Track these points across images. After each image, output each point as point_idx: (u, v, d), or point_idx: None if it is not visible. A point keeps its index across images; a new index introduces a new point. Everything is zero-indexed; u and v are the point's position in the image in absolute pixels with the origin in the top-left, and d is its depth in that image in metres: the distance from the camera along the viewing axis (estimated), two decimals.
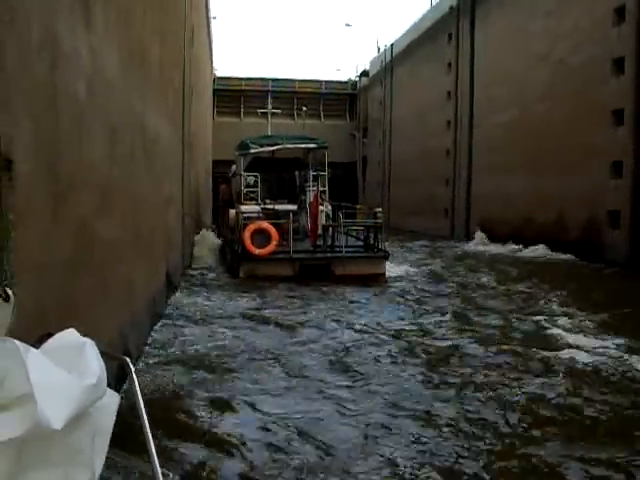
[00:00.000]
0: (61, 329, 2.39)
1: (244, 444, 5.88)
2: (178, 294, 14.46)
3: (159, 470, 2.46)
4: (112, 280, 6.87)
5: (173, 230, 14.99)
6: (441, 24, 41.18)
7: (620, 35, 22.83)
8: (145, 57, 9.49)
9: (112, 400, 2.40)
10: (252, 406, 6.98)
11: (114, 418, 2.40)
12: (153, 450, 2.46)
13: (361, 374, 8.37)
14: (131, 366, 2.63)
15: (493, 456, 5.79)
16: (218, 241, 24.84)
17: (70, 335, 2.37)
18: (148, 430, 2.49)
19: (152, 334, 10.13)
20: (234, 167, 25.66)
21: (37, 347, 2.18)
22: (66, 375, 2.10)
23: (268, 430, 6.28)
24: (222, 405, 6.99)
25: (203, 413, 6.72)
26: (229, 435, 6.10)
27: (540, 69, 28.08)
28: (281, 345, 10.04)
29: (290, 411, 6.87)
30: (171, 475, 5.05)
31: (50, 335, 2.34)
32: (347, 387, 7.82)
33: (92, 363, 2.25)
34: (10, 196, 2.92)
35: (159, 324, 10.98)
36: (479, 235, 31.97)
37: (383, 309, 13.71)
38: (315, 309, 13.25)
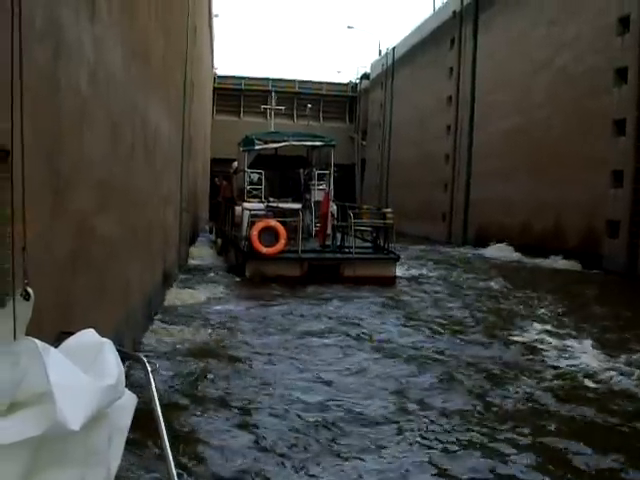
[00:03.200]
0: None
1: None
2: (174, 291, 14.25)
3: (174, 471, 2.46)
4: (109, 278, 6.74)
5: (171, 227, 14.86)
6: (444, 29, 41.16)
7: (623, 45, 22.80)
8: (149, 52, 9.37)
9: (129, 401, 2.41)
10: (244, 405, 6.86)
11: (131, 418, 2.41)
12: (168, 450, 2.46)
13: None
14: (148, 366, 2.62)
15: None
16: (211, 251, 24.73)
17: (89, 335, 2.39)
18: (164, 429, 2.50)
19: (147, 333, 10.00)
20: (235, 164, 25.38)
21: (56, 345, 2.18)
22: (85, 376, 2.11)
23: None
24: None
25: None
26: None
27: (542, 77, 28.05)
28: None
29: None
30: (185, 475, 4.99)
31: (69, 333, 2.36)
32: None
33: (111, 364, 2.26)
34: (6, 190, 2.80)
35: (155, 322, 10.84)
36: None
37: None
38: None
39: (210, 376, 8.05)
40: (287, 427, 6.36)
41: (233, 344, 10.01)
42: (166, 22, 11.74)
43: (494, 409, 7.25)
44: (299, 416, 6.67)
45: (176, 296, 13.64)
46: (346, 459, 5.67)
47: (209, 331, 10.72)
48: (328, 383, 7.97)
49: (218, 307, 13.11)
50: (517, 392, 7.88)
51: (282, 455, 5.69)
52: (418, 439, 6.26)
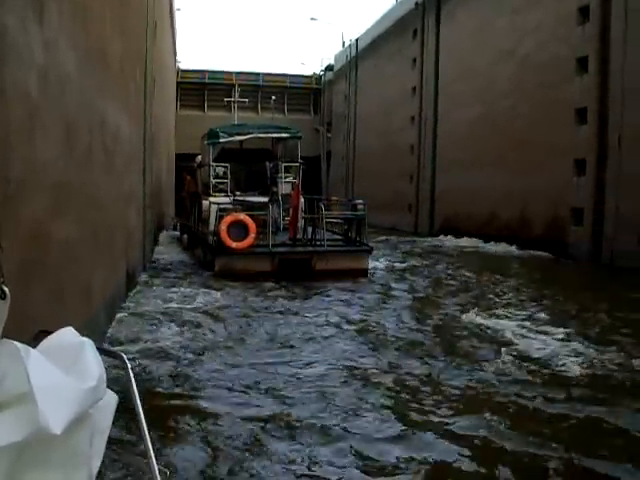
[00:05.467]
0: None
1: None
2: (139, 291, 14.11)
3: (156, 468, 2.41)
4: (68, 284, 6.63)
5: (134, 226, 14.71)
6: (406, 20, 41.24)
7: (584, 34, 23.01)
8: (105, 51, 9.24)
9: (111, 400, 2.35)
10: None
11: (112, 418, 2.35)
12: (150, 447, 2.42)
13: None
14: (127, 363, 2.54)
15: None
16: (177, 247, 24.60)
17: (69, 334, 2.29)
18: (145, 426, 2.44)
19: (109, 333, 9.90)
20: (199, 158, 25.13)
21: (33, 345, 2.09)
22: (66, 378, 2.03)
23: None
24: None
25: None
26: None
27: (505, 66, 28.26)
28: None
29: None
30: (168, 472, 4.96)
31: (46, 332, 2.27)
32: None
33: (92, 364, 2.19)
34: None
35: (114, 323, 10.72)
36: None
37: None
38: None
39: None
40: None
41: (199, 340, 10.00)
42: (123, 20, 11.58)
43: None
44: None
45: (139, 296, 13.46)
46: None
47: (174, 330, 10.63)
48: None
49: (186, 305, 12.95)
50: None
51: None
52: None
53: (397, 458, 5.73)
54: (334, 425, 6.47)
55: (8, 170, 4.42)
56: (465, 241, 29.04)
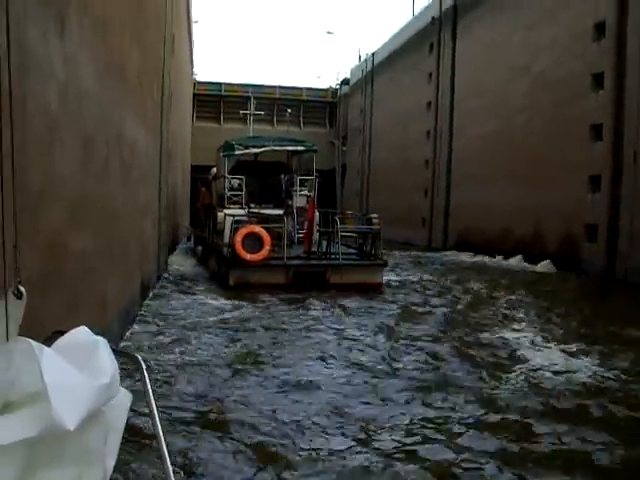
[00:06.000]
0: None
1: None
2: (153, 302, 14.14)
3: (171, 469, 2.44)
4: (83, 295, 6.70)
5: (149, 238, 14.80)
6: (423, 34, 41.30)
7: (600, 50, 22.99)
8: (124, 65, 9.35)
9: (125, 399, 2.40)
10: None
11: (126, 417, 2.40)
12: (165, 448, 2.45)
13: None
14: (143, 364, 2.61)
15: None
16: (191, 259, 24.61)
17: (83, 333, 2.36)
18: (160, 428, 2.48)
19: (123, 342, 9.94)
20: (214, 170, 25.19)
21: (48, 345, 2.16)
22: (80, 375, 2.09)
23: None
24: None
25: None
26: None
27: (520, 82, 28.22)
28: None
29: None
30: (182, 473, 4.94)
31: (61, 333, 2.33)
32: None
33: (105, 362, 2.24)
34: None
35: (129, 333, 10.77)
36: None
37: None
38: None
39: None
40: None
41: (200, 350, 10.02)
42: (142, 33, 11.71)
43: None
44: None
45: (153, 308, 13.47)
46: None
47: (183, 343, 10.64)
48: None
49: (199, 317, 12.94)
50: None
51: None
52: None
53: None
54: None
55: (28, 181, 4.49)
56: (478, 256, 28.98)
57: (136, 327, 11.33)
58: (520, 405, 7.52)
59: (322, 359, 9.74)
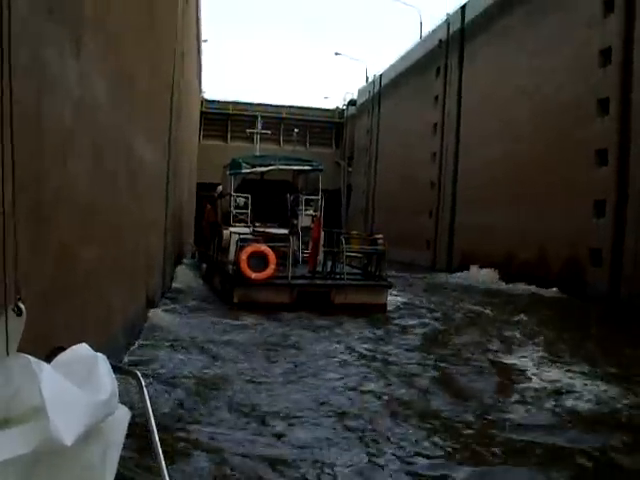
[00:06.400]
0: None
1: None
2: (158, 315, 14.15)
3: None
4: (89, 306, 6.78)
5: (155, 253, 14.89)
6: (430, 57, 41.56)
7: (606, 76, 23.14)
8: (134, 81, 9.48)
9: (123, 415, 2.35)
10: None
11: (125, 433, 2.35)
12: (164, 465, 2.42)
13: None
14: (142, 380, 2.58)
15: None
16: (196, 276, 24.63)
17: (82, 349, 2.31)
18: (158, 445, 2.45)
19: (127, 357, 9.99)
20: (220, 187, 25.19)
21: (49, 361, 2.13)
22: (78, 391, 2.05)
23: None
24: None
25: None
26: None
27: (526, 106, 28.36)
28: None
29: None
30: None
31: (61, 349, 2.29)
32: None
33: (104, 378, 2.20)
34: None
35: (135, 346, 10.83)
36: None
37: None
38: None
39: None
40: None
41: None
42: (152, 51, 11.87)
43: None
44: None
45: (158, 323, 13.44)
46: None
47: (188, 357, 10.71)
48: None
49: (199, 334, 12.98)
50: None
51: None
52: None
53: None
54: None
55: (41, 194, 4.59)
56: (482, 278, 28.96)
57: (141, 341, 11.40)
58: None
59: None
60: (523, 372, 10.72)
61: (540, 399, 8.98)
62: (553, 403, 8.80)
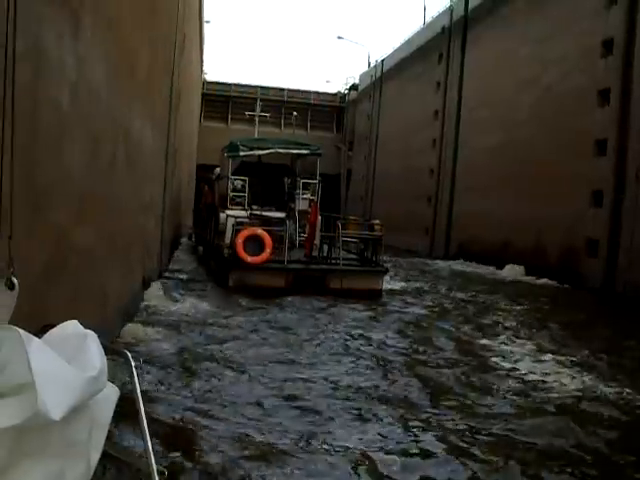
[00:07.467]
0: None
1: None
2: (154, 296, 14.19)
3: (155, 467, 2.42)
4: (84, 288, 6.84)
5: (152, 236, 14.92)
6: (432, 43, 41.43)
7: (607, 67, 23.11)
8: (133, 64, 9.49)
9: (111, 393, 2.37)
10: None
11: (112, 412, 2.37)
12: (150, 445, 2.43)
13: None
14: (131, 361, 2.55)
15: None
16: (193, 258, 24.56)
17: (73, 326, 2.34)
18: (145, 425, 2.45)
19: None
20: (218, 170, 24.99)
21: (39, 337, 2.14)
22: (67, 366, 2.06)
23: None
24: None
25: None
26: None
27: (527, 94, 28.32)
28: None
29: None
30: (167, 473, 4.99)
31: (52, 326, 2.32)
32: None
33: (94, 355, 2.21)
34: None
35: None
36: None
37: None
38: None
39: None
40: None
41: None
42: (153, 32, 11.86)
43: None
44: None
45: (153, 304, 13.52)
46: None
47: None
48: None
49: (195, 314, 13.09)
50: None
51: None
52: None
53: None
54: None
55: (37, 177, 4.63)
56: (479, 266, 29.03)
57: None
58: None
59: None
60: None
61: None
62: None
